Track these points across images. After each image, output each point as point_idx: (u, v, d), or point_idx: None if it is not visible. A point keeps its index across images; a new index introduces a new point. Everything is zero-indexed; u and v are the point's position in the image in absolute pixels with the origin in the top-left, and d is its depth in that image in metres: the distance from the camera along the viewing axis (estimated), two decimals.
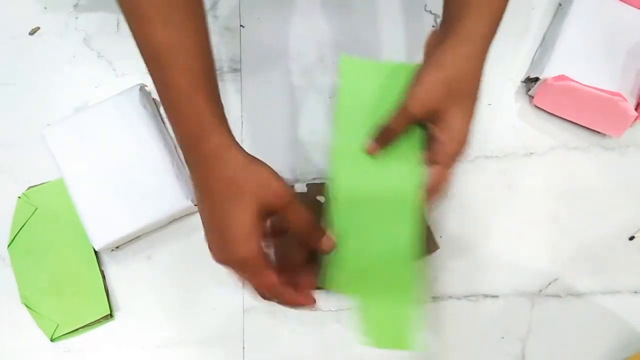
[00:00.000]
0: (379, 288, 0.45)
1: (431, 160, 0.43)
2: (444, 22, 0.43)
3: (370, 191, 0.45)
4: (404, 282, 0.45)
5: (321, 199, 0.52)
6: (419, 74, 0.41)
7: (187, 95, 0.37)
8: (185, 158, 0.40)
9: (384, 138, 0.44)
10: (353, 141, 0.45)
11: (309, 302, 0.45)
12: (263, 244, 0.40)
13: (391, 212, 0.44)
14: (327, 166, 0.44)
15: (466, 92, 0.41)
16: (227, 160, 0.38)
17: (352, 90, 0.46)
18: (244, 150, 0.39)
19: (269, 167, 0.40)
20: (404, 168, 0.44)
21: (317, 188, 0.52)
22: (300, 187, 0.52)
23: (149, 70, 0.38)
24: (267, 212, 0.39)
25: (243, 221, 0.38)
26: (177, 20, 0.37)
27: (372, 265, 0.45)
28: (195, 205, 0.50)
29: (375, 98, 0.46)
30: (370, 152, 0.44)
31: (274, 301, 0.45)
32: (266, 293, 0.43)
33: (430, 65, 0.41)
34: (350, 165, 0.45)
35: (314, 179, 0.54)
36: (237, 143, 0.39)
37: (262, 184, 0.38)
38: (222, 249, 0.39)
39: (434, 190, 0.43)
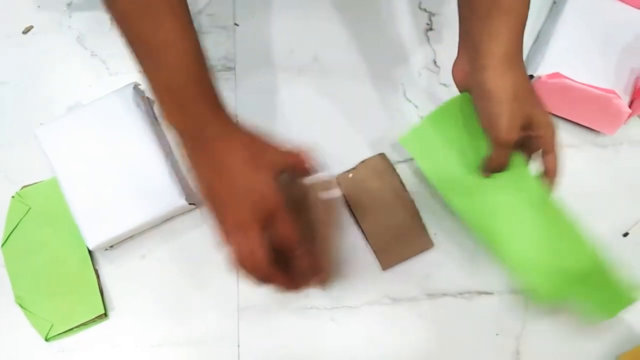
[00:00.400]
0: (576, 276, 0.47)
1: (543, 152, 0.45)
2: (469, 42, 0.44)
3: (506, 209, 0.47)
4: (590, 255, 0.47)
5: (327, 194, 0.52)
6: (489, 106, 0.42)
7: (186, 86, 0.40)
8: (188, 147, 0.41)
9: (499, 170, 0.46)
10: (462, 187, 0.48)
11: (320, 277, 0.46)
12: None
13: (534, 214, 0.47)
14: (460, 219, 0.49)
15: (530, 90, 0.43)
16: (236, 136, 0.42)
17: (428, 155, 0.49)
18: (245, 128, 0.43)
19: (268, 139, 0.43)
20: (518, 175, 0.47)
21: (326, 184, 0.53)
22: (307, 181, 0.50)
23: (143, 69, 0.40)
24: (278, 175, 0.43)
25: (267, 180, 0.41)
26: (167, 19, 0.38)
27: (556, 263, 0.47)
28: (191, 204, 0.50)
29: (452, 145, 0.48)
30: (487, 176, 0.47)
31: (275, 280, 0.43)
32: (292, 245, 0.42)
33: (492, 92, 0.42)
34: (473, 201, 0.48)
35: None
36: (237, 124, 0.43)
37: (270, 150, 0.43)
38: (252, 208, 0.40)
39: (557, 173, 0.46)
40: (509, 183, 0.47)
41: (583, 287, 0.47)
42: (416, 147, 0.49)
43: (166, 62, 0.39)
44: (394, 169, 0.53)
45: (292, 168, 0.43)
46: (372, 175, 0.53)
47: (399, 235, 0.51)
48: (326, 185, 0.53)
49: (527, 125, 0.43)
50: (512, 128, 0.42)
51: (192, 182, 0.44)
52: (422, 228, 0.52)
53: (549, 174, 0.46)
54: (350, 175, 0.53)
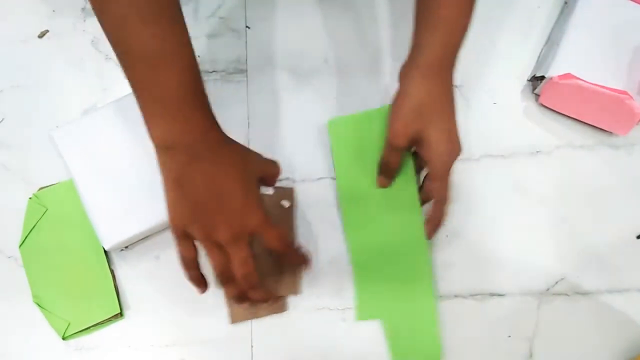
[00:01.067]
0: (401, 307, 0.50)
1: (428, 178, 0.49)
2: (410, 50, 0.46)
3: (381, 226, 0.51)
4: (424, 298, 0.50)
5: (285, 203, 0.52)
6: (393, 107, 0.46)
7: (185, 99, 0.39)
8: (178, 161, 0.40)
9: (386, 172, 0.50)
10: (356, 187, 0.52)
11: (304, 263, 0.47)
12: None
13: (403, 240, 0.51)
14: (340, 213, 0.52)
15: (437, 110, 0.45)
16: (226, 147, 0.41)
17: (344, 145, 0.53)
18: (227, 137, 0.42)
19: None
20: (403, 196, 0.51)
21: (284, 192, 0.52)
22: (265, 190, 0.52)
23: (134, 80, 0.39)
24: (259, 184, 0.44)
25: (254, 191, 0.42)
26: (167, 27, 0.37)
27: (394, 291, 0.50)
28: None
29: (364, 143, 0.52)
30: (381, 185, 0.51)
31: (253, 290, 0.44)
32: (282, 246, 0.43)
33: (400, 97, 0.45)
34: (358, 205, 0.52)
35: (319, 178, 0.54)
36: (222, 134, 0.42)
37: (254, 159, 0.44)
38: (233, 218, 0.41)
39: (439, 202, 0.47)
40: (393, 202, 0.50)
41: (401, 326, 0.49)
42: (338, 132, 0.53)
43: (166, 74, 0.38)
44: (293, 210, 0.52)
45: (267, 177, 0.44)
46: (271, 210, 0.51)
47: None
48: (287, 193, 0.53)
49: (419, 142, 0.45)
50: (399, 133, 0.45)
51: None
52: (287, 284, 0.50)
53: (434, 201, 0.47)
54: None
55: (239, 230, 0.41)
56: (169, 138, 0.40)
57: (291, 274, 0.50)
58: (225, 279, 0.43)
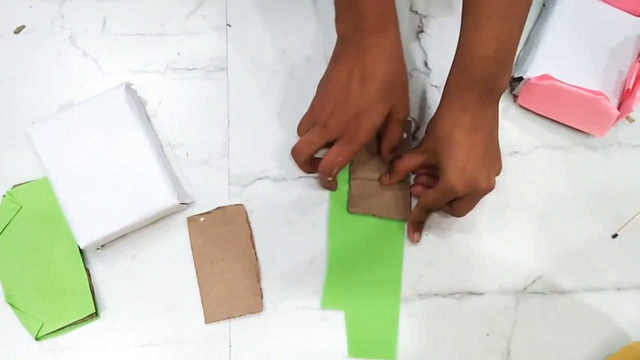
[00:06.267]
0: (366, 303, 0.51)
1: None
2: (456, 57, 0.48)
3: (363, 223, 0.53)
4: (389, 297, 0.51)
5: (402, 135, 0.54)
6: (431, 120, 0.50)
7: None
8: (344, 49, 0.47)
9: (396, 169, 0.51)
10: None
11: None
12: None
13: (381, 238, 0.53)
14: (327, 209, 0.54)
15: (455, 140, 0.46)
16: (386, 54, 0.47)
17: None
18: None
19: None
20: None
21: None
22: None
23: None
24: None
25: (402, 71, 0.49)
26: None
27: (362, 285, 0.51)
28: (182, 203, 0.50)
29: None
30: (385, 184, 0.53)
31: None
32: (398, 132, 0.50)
33: (437, 112, 0.49)
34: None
35: (299, 177, 0.54)
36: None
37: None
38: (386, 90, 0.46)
39: (427, 210, 0.51)
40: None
41: (362, 320, 0.50)
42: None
43: None
44: (249, 223, 0.52)
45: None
46: (223, 224, 0.52)
47: (229, 291, 0.50)
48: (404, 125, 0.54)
49: (429, 155, 0.49)
50: (419, 151, 0.50)
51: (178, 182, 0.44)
52: (255, 289, 0.50)
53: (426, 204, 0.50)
54: (202, 219, 0.52)
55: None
56: (347, 31, 0.46)
57: (404, 198, 0.53)
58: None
